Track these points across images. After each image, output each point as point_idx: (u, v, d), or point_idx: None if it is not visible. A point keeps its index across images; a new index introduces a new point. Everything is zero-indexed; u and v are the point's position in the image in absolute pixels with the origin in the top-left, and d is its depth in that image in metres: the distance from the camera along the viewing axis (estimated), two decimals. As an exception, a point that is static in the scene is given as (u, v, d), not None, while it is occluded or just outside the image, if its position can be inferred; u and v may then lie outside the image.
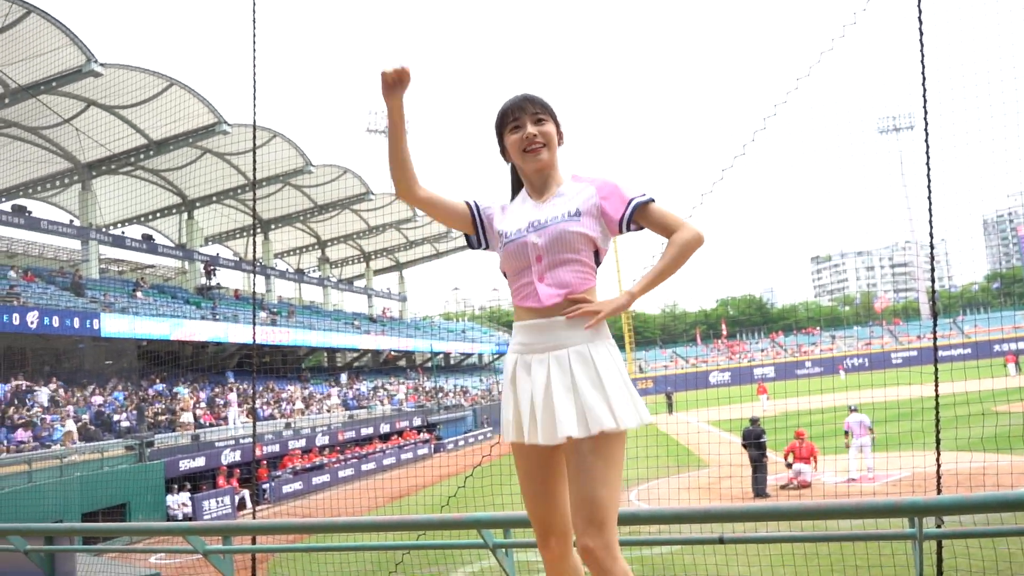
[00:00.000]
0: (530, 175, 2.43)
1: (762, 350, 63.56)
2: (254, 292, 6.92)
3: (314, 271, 42.30)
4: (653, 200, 2.31)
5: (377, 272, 47.59)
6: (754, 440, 14.66)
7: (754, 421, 15.08)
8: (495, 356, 51.86)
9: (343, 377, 35.76)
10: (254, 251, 6.31)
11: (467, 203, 2.46)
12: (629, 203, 2.29)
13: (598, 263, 2.35)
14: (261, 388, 28.14)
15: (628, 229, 2.32)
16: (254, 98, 5.85)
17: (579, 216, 2.30)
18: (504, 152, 2.47)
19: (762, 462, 14.53)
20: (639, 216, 2.30)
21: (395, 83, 2.22)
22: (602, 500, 2.14)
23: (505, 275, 2.41)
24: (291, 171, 30.71)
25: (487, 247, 2.47)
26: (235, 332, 27.12)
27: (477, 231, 2.45)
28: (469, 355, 51.41)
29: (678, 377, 52.47)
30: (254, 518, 6.59)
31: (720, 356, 62.45)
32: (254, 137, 5.98)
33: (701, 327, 74.43)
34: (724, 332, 67.95)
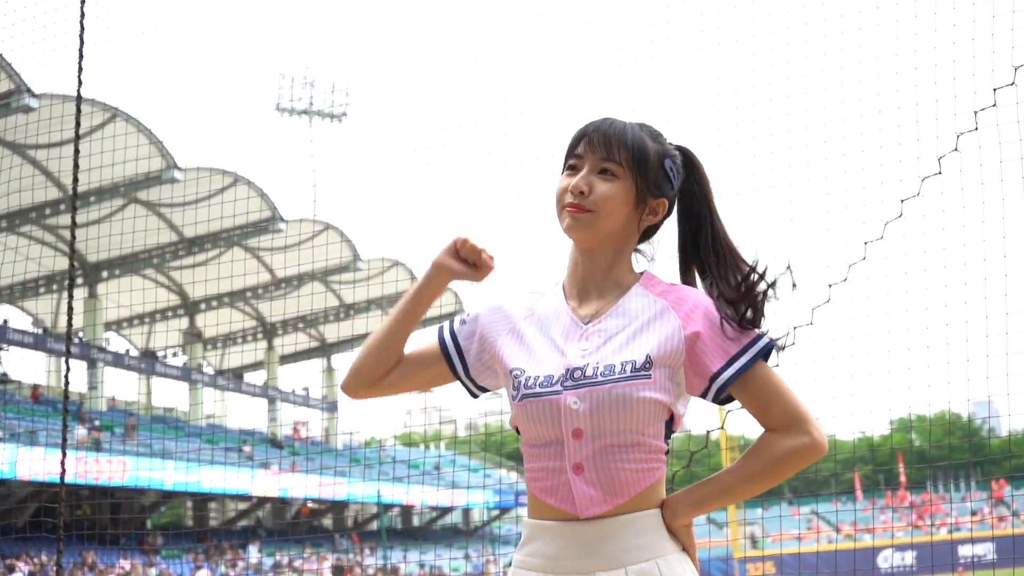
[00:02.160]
0: (574, 260, 2.48)
1: (973, 512, 62.95)
2: (66, 391, 6.85)
3: (175, 354, 42.39)
4: (765, 356, 2.34)
5: (286, 358, 47.71)
6: None
7: None
8: (492, 514, 51.49)
9: (223, 546, 35.43)
10: (69, 317, 6.27)
11: (439, 339, 2.58)
12: (732, 363, 2.31)
13: (671, 434, 2.40)
14: (71, 565, 27.85)
15: (718, 400, 2.36)
16: (80, 65, 5.98)
17: (649, 369, 2.30)
18: None
19: None
20: (739, 385, 2.32)
21: (464, 261, 2.49)
22: None
23: (517, 431, 2.45)
24: (139, 178, 31.13)
25: (488, 389, 2.60)
26: (30, 463, 26.94)
27: (463, 379, 2.57)
28: (448, 510, 51.09)
29: (821, 557, 51.81)
30: None
31: (897, 521, 61.88)
32: (78, 112, 6.03)
33: (862, 468, 73.81)
34: (902, 478, 67.46)
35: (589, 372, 2.30)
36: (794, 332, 9.75)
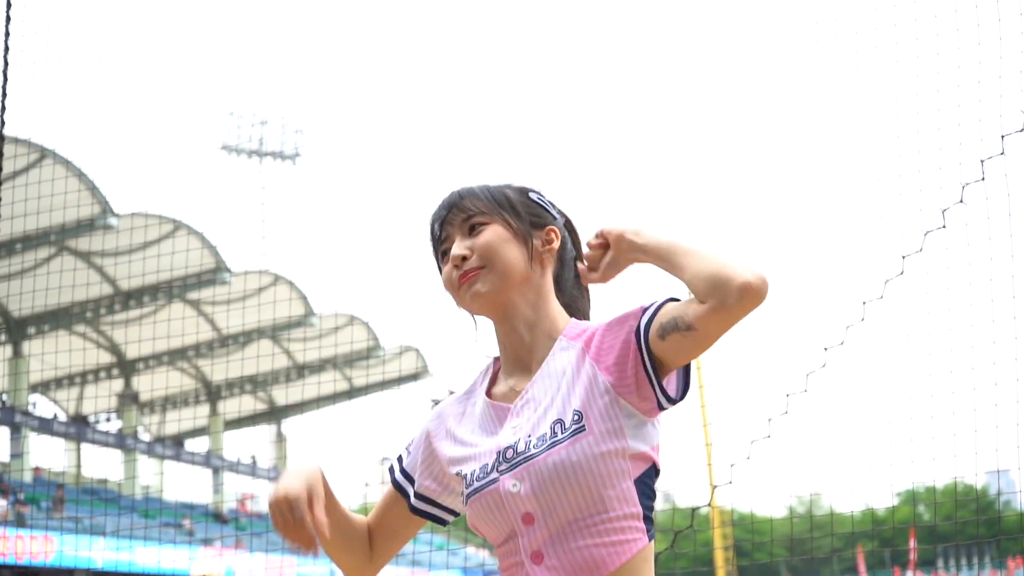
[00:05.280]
0: (498, 336, 2.48)
1: (988, 593, 63.18)
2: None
3: (108, 418, 42.15)
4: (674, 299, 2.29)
5: (231, 424, 47.56)
6: None
7: None
8: (462, 594, 51.35)
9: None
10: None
11: (392, 481, 2.60)
12: (639, 333, 2.27)
13: (652, 481, 2.34)
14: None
15: (678, 396, 2.31)
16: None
17: (581, 424, 2.26)
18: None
19: None
20: (656, 348, 2.25)
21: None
22: None
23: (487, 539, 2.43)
24: (72, 225, 31.02)
25: (454, 512, 2.58)
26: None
27: (426, 507, 2.56)
28: (409, 594, 50.79)
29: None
30: None
31: (905, 603, 62.06)
32: (0, 162, 6.02)
33: (866, 545, 73.91)
34: (912, 555, 67.53)
35: (521, 447, 2.28)
36: (787, 399, 9.83)
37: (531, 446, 2.26)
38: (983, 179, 8.56)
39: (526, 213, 2.44)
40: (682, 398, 2.32)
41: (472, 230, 2.39)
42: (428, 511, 2.55)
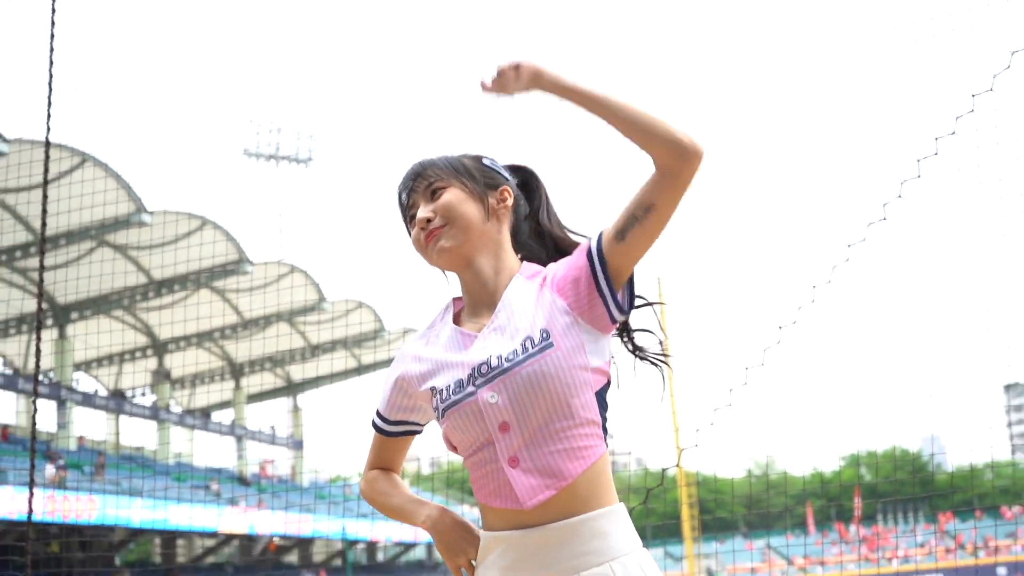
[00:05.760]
0: (463, 284, 2.50)
1: (922, 545, 63.13)
2: (33, 430, 6.82)
3: (143, 393, 42.10)
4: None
5: (253, 397, 47.47)
6: None
7: None
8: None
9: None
10: (37, 359, 6.27)
11: (377, 430, 2.67)
12: (591, 253, 2.30)
13: (605, 394, 2.36)
14: (40, 601, 27.47)
15: (626, 307, 2.34)
16: (48, 113, 5.97)
17: (549, 339, 2.29)
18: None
19: None
20: (613, 255, 2.28)
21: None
22: None
23: (455, 450, 2.44)
24: (109, 222, 30.98)
25: (423, 424, 2.64)
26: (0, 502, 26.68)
27: (401, 428, 2.64)
28: (411, 545, 50.82)
29: (776, 590, 51.80)
30: None
31: (848, 554, 61.96)
32: (46, 161, 6.04)
33: (815, 502, 73.88)
34: (857, 512, 67.47)
35: (495, 363, 2.30)
36: (747, 372, 9.81)
37: (504, 360, 2.28)
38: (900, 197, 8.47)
39: (481, 176, 2.46)
40: (631, 310, 2.36)
41: (434, 195, 2.42)
42: (404, 430, 2.62)
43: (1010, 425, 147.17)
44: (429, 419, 2.59)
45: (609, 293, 2.28)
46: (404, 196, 2.49)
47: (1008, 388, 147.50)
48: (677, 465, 12.80)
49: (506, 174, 2.53)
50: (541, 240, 2.57)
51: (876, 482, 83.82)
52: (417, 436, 2.68)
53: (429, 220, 2.40)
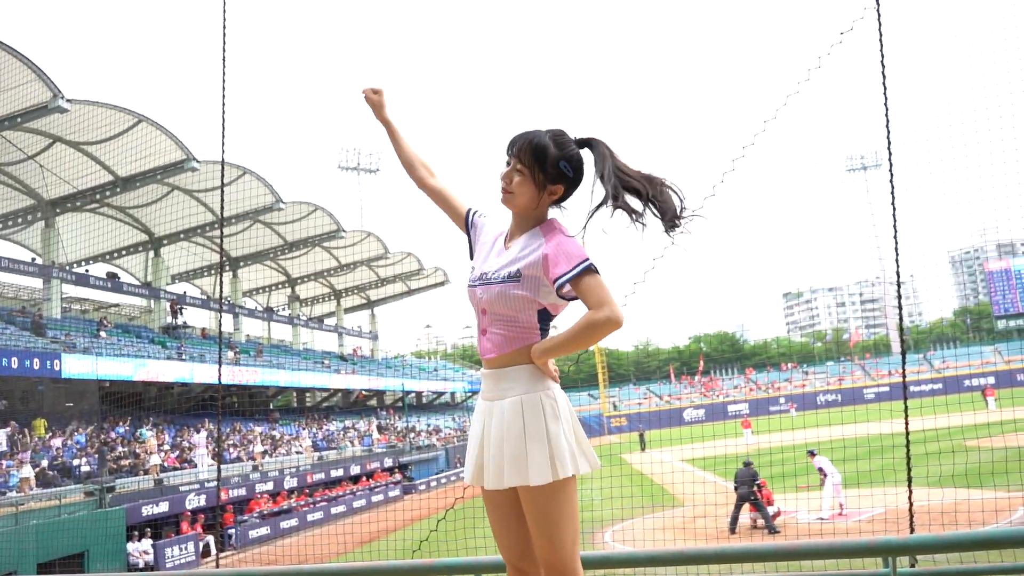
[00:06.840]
0: (512, 219, 2.46)
1: (736, 387, 63.79)
2: (220, 331, 6.81)
3: (283, 309, 41.90)
4: (593, 271, 2.24)
5: (348, 310, 47.27)
6: (749, 480, 14.67)
7: (747, 464, 15.03)
8: (468, 395, 51.51)
9: (314, 417, 35.26)
10: (220, 289, 6.26)
11: (467, 210, 2.62)
12: (562, 276, 2.26)
13: (549, 318, 2.35)
14: (228, 430, 27.64)
15: (561, 293, 2.29)
16: (223, 134, 5.80)
17: (519, 279, 2.31)
18: None
19: (758, 501, 14.62)
20: (574, 286, 2.25)
21: (377, 102, 2.69)
22: (553, 546, 2.25)
23: None
24: (261, 208, 30.55)
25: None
26: (201, 372, 26.67)
27: (470, 242, 2.57)
28: (441, 394, 51.01)
29: (652, 415, 52.40)
30: (217, 566, 6.42)
31: (694, 393, 62.54)
32: (222, 174, 5.96)
33: (675, 364, 74.60)
34: (700, 368, 68.10)
35: (489, 276, 2.37)
36: (644, 274, 9.78)
37: (490, 276, 2.37)
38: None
39: (551, 170, 2.33)
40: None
41: (519, 170, 2.33)
42: (466, 233, 2.59)
43: (785, 316, 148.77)
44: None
45: (559, 288, 2.27)
46: (508, 147, 2.37)
47: (785, 295, 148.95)
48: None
49: (570, 174, 2.35)
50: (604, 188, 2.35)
51: (710, 351, 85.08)
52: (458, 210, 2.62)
53: (504, 180, 2.37)
